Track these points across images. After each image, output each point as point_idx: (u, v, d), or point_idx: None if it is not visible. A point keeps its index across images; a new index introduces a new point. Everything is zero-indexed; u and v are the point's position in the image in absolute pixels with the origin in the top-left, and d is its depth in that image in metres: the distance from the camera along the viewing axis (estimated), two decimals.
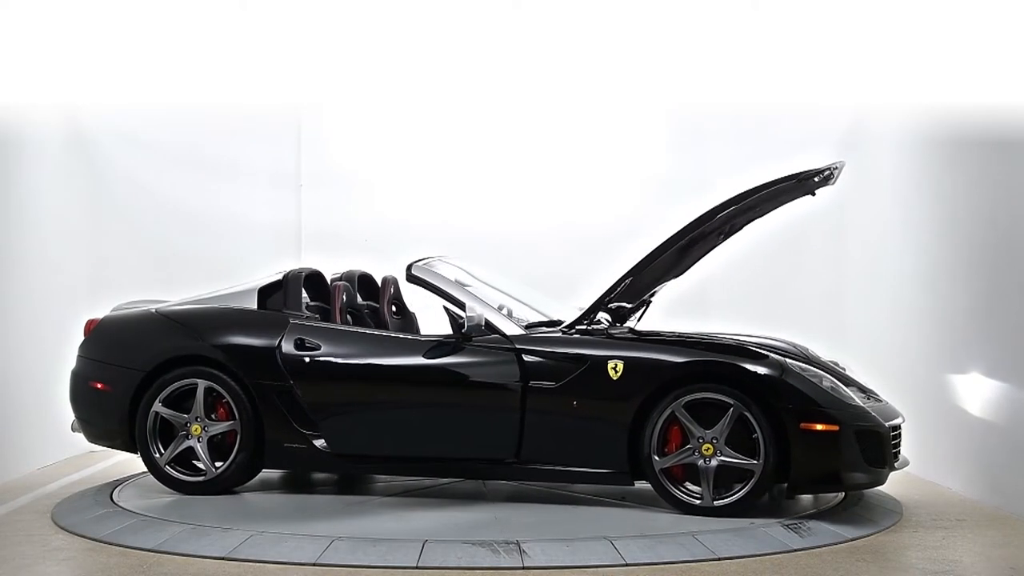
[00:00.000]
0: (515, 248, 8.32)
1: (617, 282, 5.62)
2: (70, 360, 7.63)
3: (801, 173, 5.29)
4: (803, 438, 4.94)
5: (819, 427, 4.94)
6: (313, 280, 6.32)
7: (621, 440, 5.17)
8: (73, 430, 6.32)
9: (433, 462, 5.63)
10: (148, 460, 5.88)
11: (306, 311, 6.06)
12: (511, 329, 5.54)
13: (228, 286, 6.34)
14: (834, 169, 5.32)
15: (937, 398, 6.25)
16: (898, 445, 5.29)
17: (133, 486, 6.05)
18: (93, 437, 6.19)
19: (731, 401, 5.02)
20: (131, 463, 7.20)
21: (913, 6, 6.62)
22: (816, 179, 5.30)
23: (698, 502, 5.06)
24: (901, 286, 6.82)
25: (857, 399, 5.15)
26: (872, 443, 5.03)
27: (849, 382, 5.58)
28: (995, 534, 4.90)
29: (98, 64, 7.92)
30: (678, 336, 5.80)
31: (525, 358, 5.38)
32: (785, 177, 5.31)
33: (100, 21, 7.94)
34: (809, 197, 5.50)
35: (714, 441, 5.05)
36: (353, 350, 5.75)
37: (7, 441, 6.59)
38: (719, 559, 4.35)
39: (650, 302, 6.21)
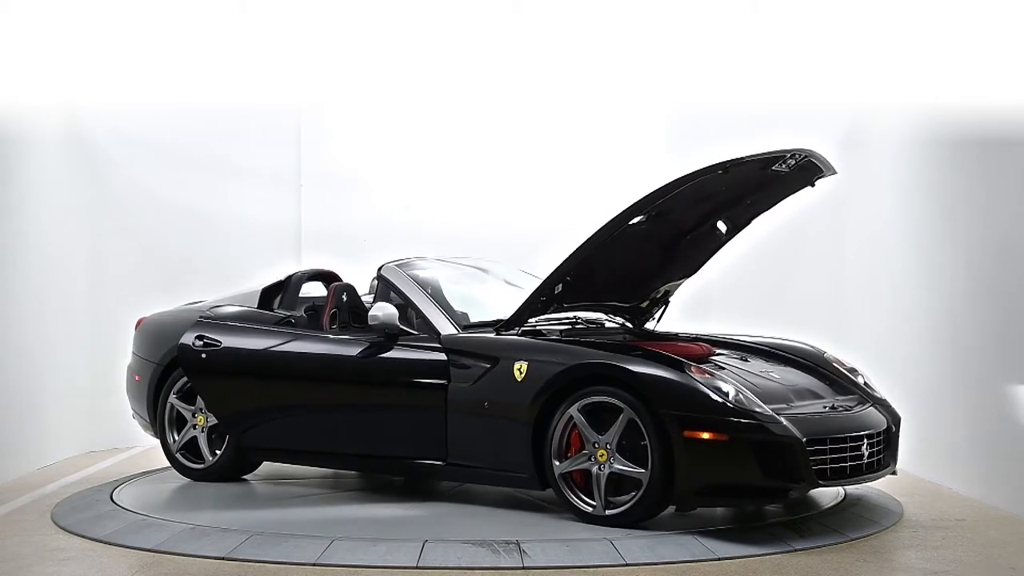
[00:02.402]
0: (515, 247, 8.32)
1: (552, 281, 5.40)
2: (71, 359, 7.67)
3: (728, 162, 4.90)
4: (688, 447, 4.57)
5: (705, 435, 4.56)
6: (330, 281, 6.49)
7: (526, 443, 5.02)
8: (132, 417, 6.80)
9: (354, 458, 5.74)
10: (165, 446, 6.34)
11: (302, 312, 6.23)
12: (446, 329, 5.50)
13: (254, 285, 6.59)
14: (793, 156, 5.03)
15: (937, 398, 6.25)
16: (859, 458, 4.90)
17: (133, 486, 6.06)
18: (143, 427, 6.63)
19: (622, 405, 4.74)
20: (130, 463, 7.21)
21: (913, 6, 6.62)
22: (780, 166, 5.07)
23: (590, 510, 4.84)
24: (901, 286, 6.82)
25: (768, 408, 4.68)
26: (776, 456, 4.58)
27: (849, 389, 5.41)
28: (995, 534, 4.90)
29: (98, 64, 7.91)
30: (607, 335, 5.74)
31: (451, 357, 5.34)
32: (714, 165, 4.94)
33: (100, 21, 7.94)
34: (809, 189, 5.39)
35: (608, 447, 4.79)
36: (255, 346, 5.93)
37: (7, 441, 6.59)
38: (719, 559, 4.35)
39: (668, 302, 6.16)
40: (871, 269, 7.34)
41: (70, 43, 7.70)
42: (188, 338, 6.09)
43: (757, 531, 4.75)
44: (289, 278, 6.44)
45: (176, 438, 6.26)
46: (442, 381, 5.32)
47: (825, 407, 5.11)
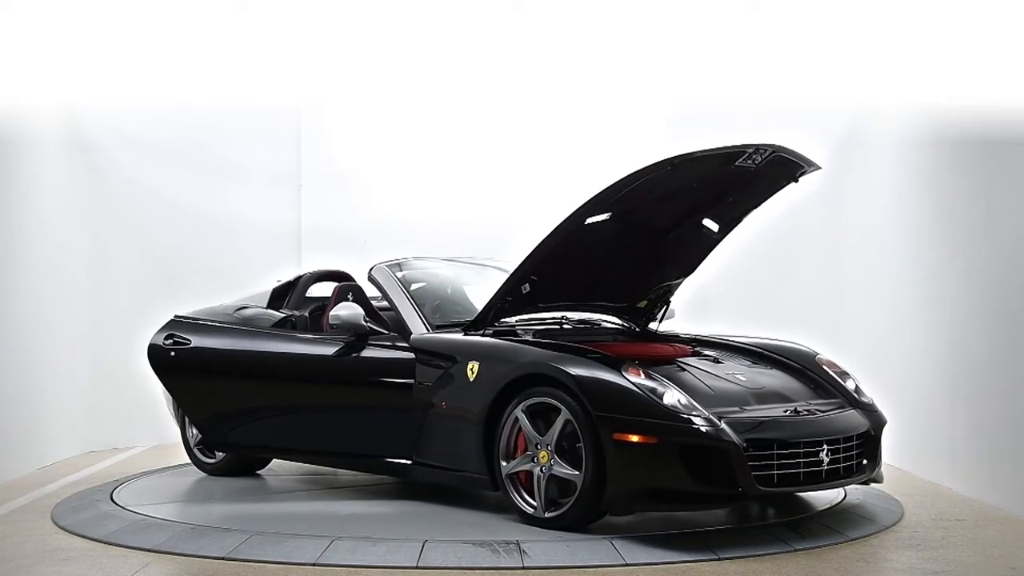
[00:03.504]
0: (515, 247, 8.32)
1: (515, 281, 5.35)
2: (71, 359, 7.67)
3: (678, 157, 4.78)
4: (618, 449, 4.47)
5: (634, 438, 4.44)
6: (341, 282, 6.50)
7: (477, 443, 4.97)
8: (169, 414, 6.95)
9: (326, 455, 5.80)
10: (184, 441, 6.54)
11: (306, 312, 6.21)
12: (418, 329, 5.49)
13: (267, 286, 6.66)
14: (758, 150, 4.87)
15: (937, 397, 6.25)
16: (817, 464, 4.69)
17: (133, 486, 6.06)
18: (176, 422, 6.74)
19: (559, 406, 4.67)
20: (130, 463, 7.21)
21: (913, 6, 6.62)
22: (746, 162, 4.92)
23: (532, 511, 4.78)
24: (901, 285, 6.82)
25: (707, 411, 4.51)
26: (709, 461, 4.43)
27: (831, 393, 5.23)
28: (995, 534, 4.90)
29: (98, 64, 7.92)
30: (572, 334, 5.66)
31: (418, 357, 5.34)
32: (663, 161, 4.82)
33: (100, 21, 7.95)
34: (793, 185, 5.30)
35: (548, 448, 4.73)
36: (223, 345, 5.96)
37: (7, 441, 6.59)
38: (719, 559, 4.35)
39: (668, 302, 6.12)
40: (871, 269, 7.35)
41: (70, 43, 7.71)
42: (158, 338, 6.12)
43: (757, 531, 4.75)
44: (299, 278, 6.49)
45: (194, 433, 6.40)
46: (409, 381, 5.33)
47: (787, 411, 4.88)
